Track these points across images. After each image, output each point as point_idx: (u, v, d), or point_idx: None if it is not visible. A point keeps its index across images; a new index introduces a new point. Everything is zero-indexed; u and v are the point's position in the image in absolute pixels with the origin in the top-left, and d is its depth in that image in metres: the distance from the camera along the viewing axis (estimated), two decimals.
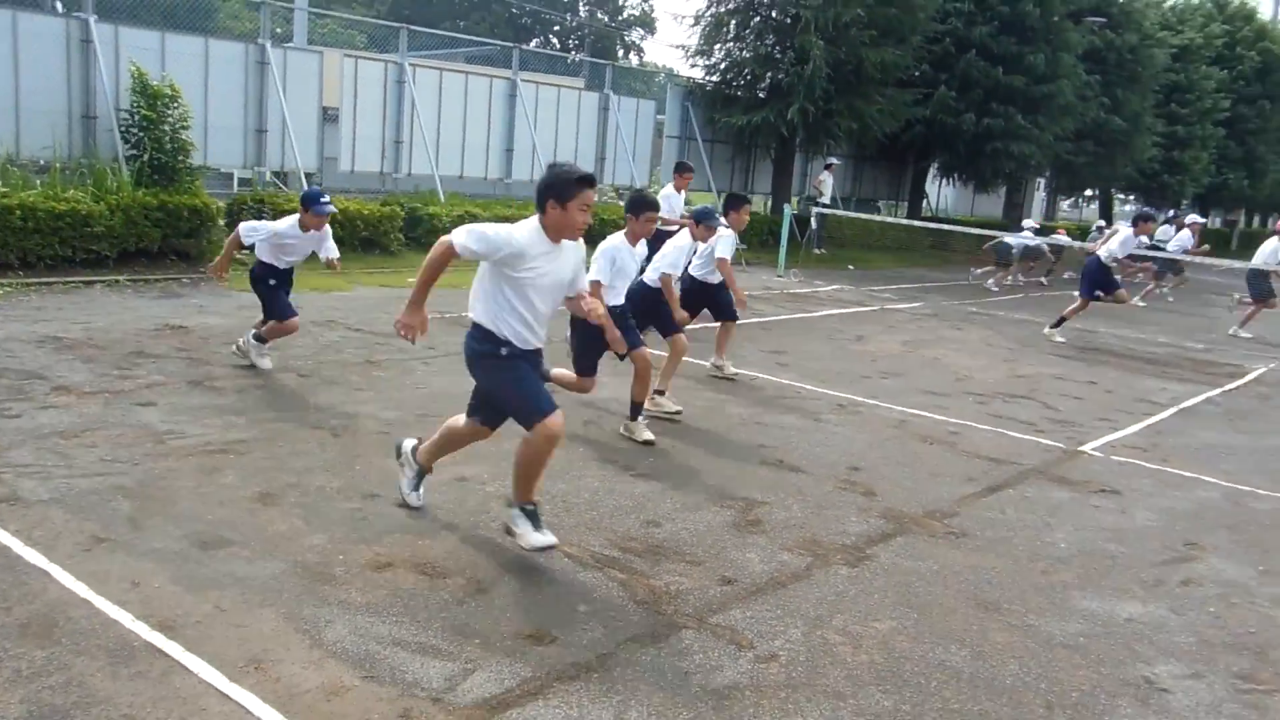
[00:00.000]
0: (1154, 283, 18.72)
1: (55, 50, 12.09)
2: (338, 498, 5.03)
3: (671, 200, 12.14)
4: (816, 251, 20.56)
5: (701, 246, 7.96)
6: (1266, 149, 39.71)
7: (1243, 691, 3.92)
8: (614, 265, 6.28)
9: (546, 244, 4.38)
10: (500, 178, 18.37)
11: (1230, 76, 35.15)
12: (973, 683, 3.76)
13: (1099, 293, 12.68)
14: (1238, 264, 17.57)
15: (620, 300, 6.44)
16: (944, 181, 28.67)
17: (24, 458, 5.16)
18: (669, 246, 7.48)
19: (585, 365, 6.42)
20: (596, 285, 5.92)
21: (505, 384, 4.46)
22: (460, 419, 4.82)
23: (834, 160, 22.58)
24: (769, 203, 23.03)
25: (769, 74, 20.45)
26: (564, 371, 6.50)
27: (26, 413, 5.92)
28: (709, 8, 21.09)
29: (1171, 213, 23.58)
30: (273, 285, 7.50)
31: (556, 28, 63.97)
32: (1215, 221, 49.25)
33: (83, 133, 12.38)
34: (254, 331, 7.52)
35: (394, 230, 14.18)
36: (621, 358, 6.39)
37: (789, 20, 19.99)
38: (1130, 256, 13.68)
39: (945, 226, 23.02)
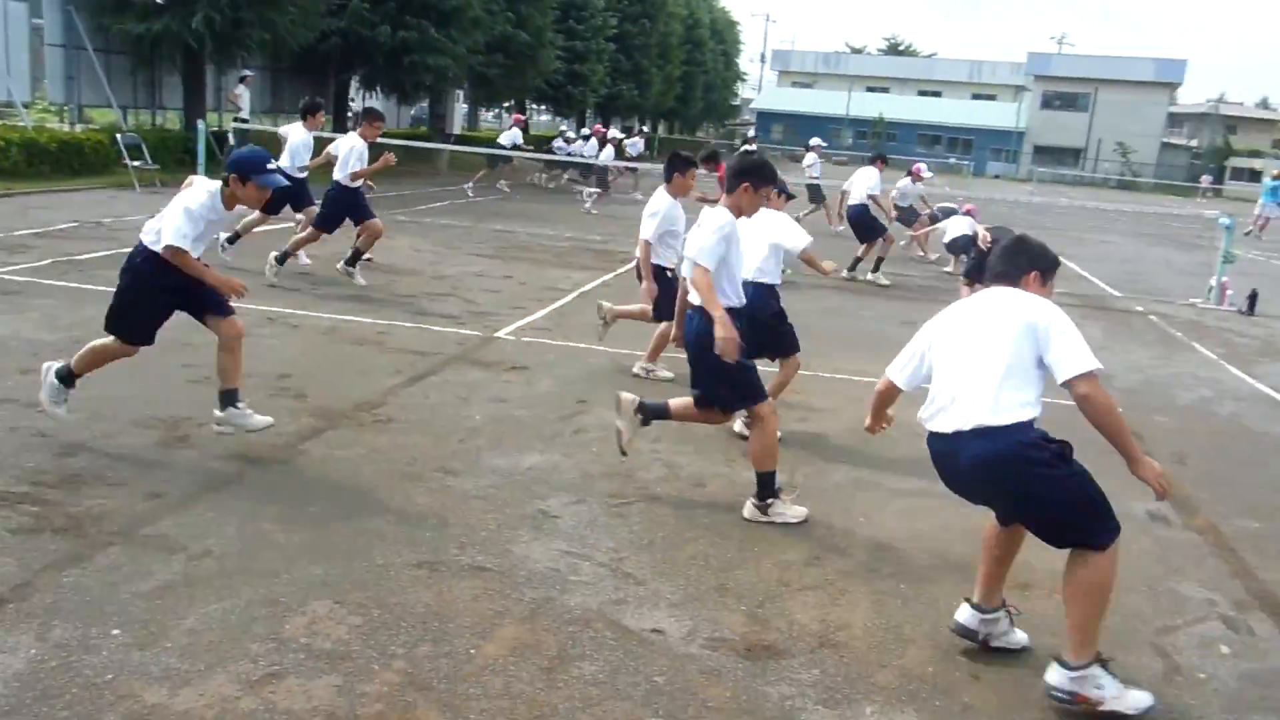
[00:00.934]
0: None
1: None
2: None
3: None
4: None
5: None
6: (649, 63, 45.06)
7: (612, 507, 4.85)
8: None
9: None
10: None
11: None
12: (397, 541, 4.24)
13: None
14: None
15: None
16: (368, 94, 28.77)
17: None
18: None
19: None
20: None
21: None
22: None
23: (248, 72, 21.65)
24: (183, 119, 21.54)
25: None
26: None
27: None
28: None
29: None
30: None
31: None
32: (615, 128, 55.04)
33: None
34: None
35: None
36: None
37: None
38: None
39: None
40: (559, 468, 5.31)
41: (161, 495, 4.48)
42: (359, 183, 9.95)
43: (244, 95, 21.14)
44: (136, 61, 20.30)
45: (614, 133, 25.26)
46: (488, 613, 3.71)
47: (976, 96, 77.91)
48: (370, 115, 10.13)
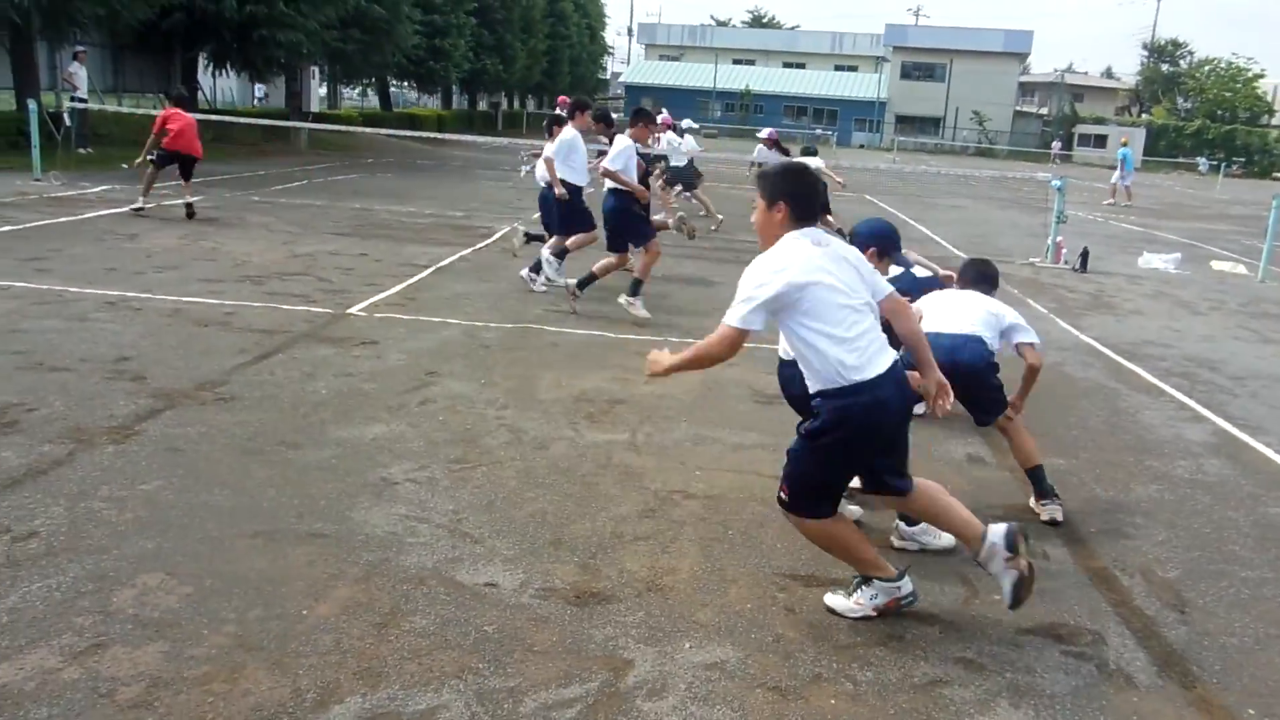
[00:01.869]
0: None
1: None
2: None
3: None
4: (81, 151, 18.93)
5: None
6: (513, 37, 44.73)
7: (454, 471, 4.97)
8: None
9: None
10: None
11: None
12: (233, 513, 4.28)
13: None
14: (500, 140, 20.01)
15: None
16: (218, 72, 27.82)
17: None
18: None
19: None
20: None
21: None
22: None
23: (82, 48, 20.69)
24: (16, 100, 20.46)
25: None
26: None
27: None
28: None
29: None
30: None
31: None
32: (482, 104, 54.48)
33: None
34: None
35: None
36: None
37: None
38: None
39: (225, 119, 22.54)
40: (404, 437, 5.39)
41: None
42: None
43: (79, 73, 20.22)
44: None
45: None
46: (322, 576, 3.80)
47: (839, 68, 79.69)
48: (641, 117, 9.17)
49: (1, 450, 4.76)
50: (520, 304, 9.01)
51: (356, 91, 49.06)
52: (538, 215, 10.63)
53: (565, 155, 9.37)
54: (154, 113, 21.32)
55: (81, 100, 19.86)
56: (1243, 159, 62.19)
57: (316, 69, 33.44)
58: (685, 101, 65.61)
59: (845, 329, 3.53)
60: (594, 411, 6.08)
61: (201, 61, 26.52)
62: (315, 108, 34.62)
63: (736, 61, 79.70)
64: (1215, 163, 56.32)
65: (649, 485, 5.00)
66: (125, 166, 17.78)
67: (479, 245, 12.41)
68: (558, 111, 9.18)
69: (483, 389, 6.38)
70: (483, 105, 55.64)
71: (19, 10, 17.49)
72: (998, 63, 69.77)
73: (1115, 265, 14.99)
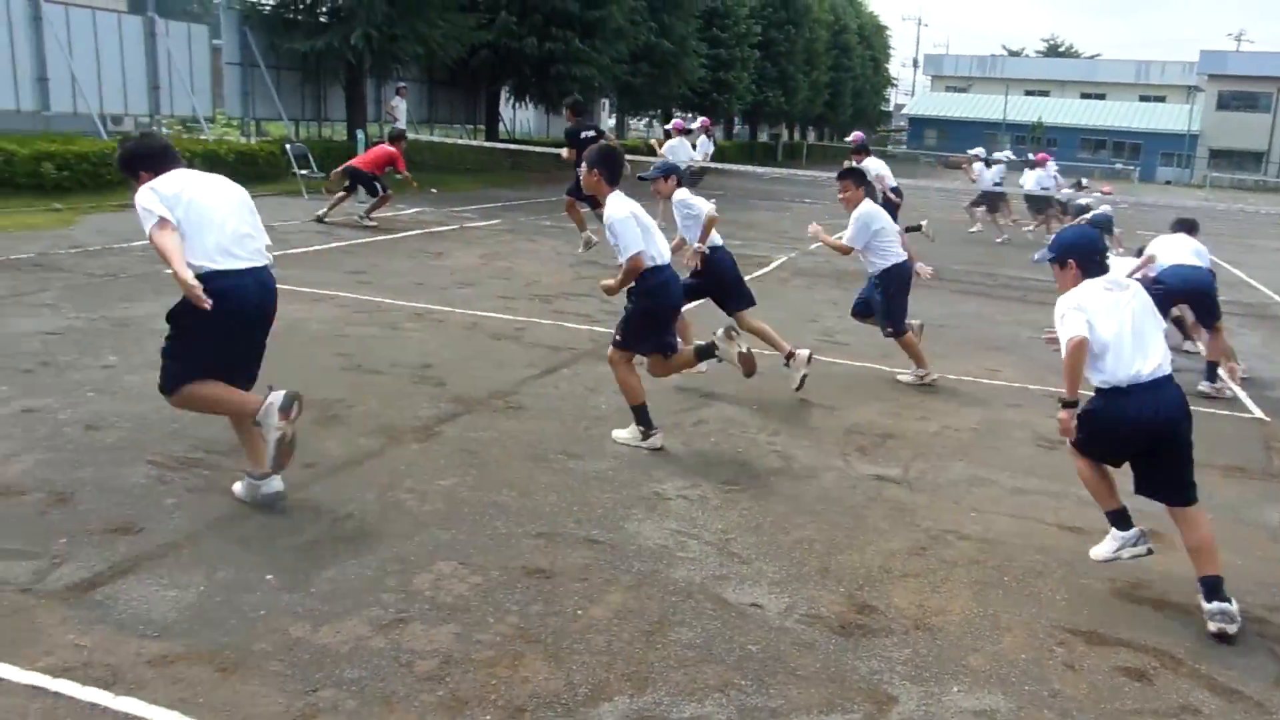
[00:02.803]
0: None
1: None
2: None
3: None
4: (397, 176, 20.74)
5: None
6: (796, 69, 44.96)
7: (725, 492, 5.07)
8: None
9: None
10: (37, 109, 16.73)
11: (760, 3, 39.33)
12: (519, 513, 4.58)
13: None
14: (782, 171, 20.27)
15: None
16: (518, 104, 29.75)
17: None
18: None
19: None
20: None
21: None
22: None
23: (404, 85, 22.75)
24: (346, 130, 22.80)
25: None
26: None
27: None
28: None
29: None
30: None
31: None
32: (762, 135, 55.07)
33: None
34: None
35: None
36: None
37: None
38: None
39: (521, 147, 24.11)
40: (677, 455, 5.56)
41: (313, 465, 4.94)
42: None
43: (400, 106, 22.23)
44: (304, 76, 21.66)
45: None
46: (597, 580, 3.99)
47: (1144, 98, 74.42)
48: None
49: (326, 441, 5.33)
50: (796, 333, 9.03)
51: (643, 123, 50.91)
52: (815, 245, 10.58)
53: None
54: (461, 142, 23.16)
55: (400, 131, 21.80)
56: None
57: (606, 101, 35.03)
58: (972, 134, 63.29)
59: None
60: (865, 444, 6.02)
61: (503, 95, 28.46)
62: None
63: (1029, 93, 76.17)
64: None
65: (920, 522, 4.89)
66: (434, 191, 19.36)
67: (757, 273, 12.55)
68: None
69: (755, 414, 6.46)
70: (763, 136, 56.24)
71: (354, 51, 19.53)
72: None
73: None
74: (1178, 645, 3.83)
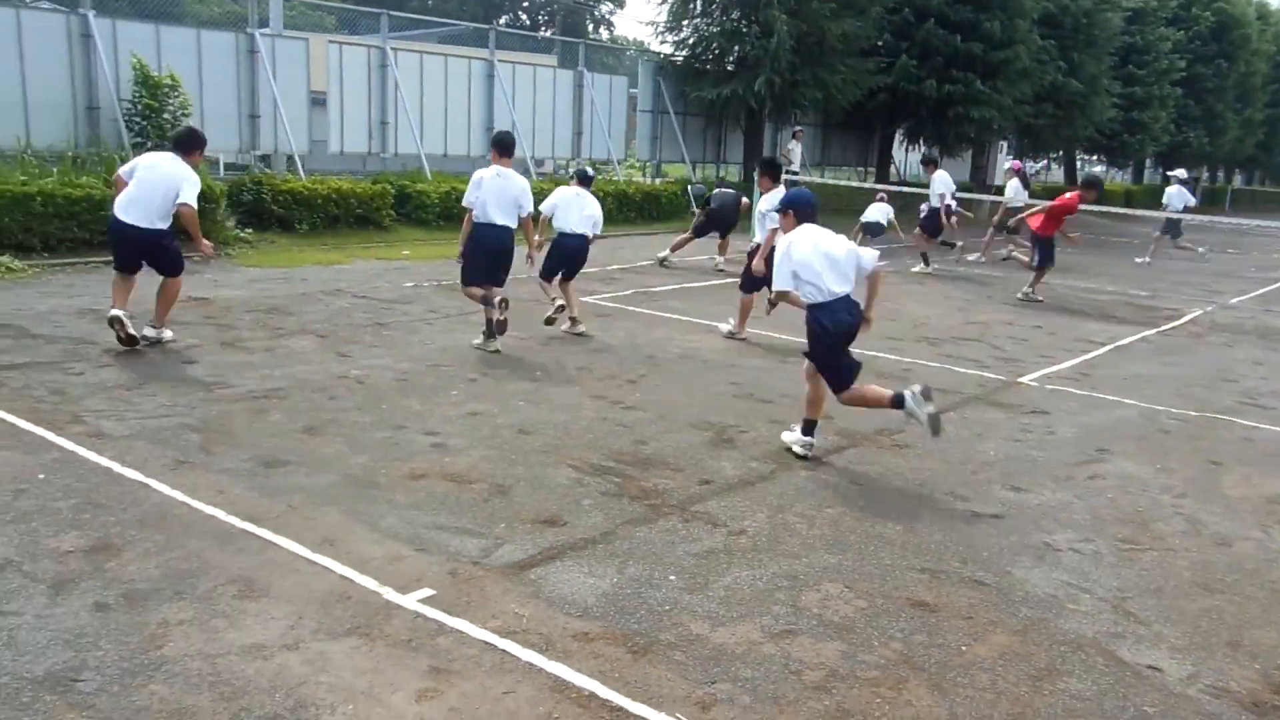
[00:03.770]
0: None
1: (58, 45, 12.76)
2: (371, 429, 5.89)
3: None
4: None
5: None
6: (1225, 107, 40.80)
7: (1122, 550, 4.85)
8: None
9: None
10: (482, 154, 19.10)
11: (1187, 37, 36.15)
12: (903, 547, 4.68)
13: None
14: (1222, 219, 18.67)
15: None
16: (910, 146, 29.53)
17: (98, 405, 5.99)
18: None
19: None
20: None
21: None
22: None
23: (800, 129, 23.40)
24: (742, 172, 23.86)
25: (736, 48, 21.26)
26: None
27: (88, 370, 6.74)
28: None
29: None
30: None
31: (525, 3, 64.34)
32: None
33: (88, 123, 13.08)
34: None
35: (386, 207, 14.98)
36: None
37: None
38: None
39: (911, 190, 23.90)
40: (1069, 507, 5.38)
41: (710, 482, 5.34)
42: None
43: (795, 149, 22.90)
44: (707, 122, 22.95)
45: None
46: (982, 620, 4.00)
47: None
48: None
49: (721, 462, 5.72)
50: (1208, 392, 8.34)
51: (1040, 165, 48.49)
52: (1235, 299, 9.71)
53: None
54: (852, 184, 23.40)
55: (794, 173, 22.47)
56: None
57: (1004, 143, 33.81)
58: None
59: None
60: None
61: (897, 137, 28.39)
62: (998, 181, 34.95)
63: None
64: None
65: None
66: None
67: (1164, 327, 11.66)
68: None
69: (1158, 474, 6.08)
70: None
71: (757, 98, 20.47)
72: None
73: None
74: None
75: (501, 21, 56.35)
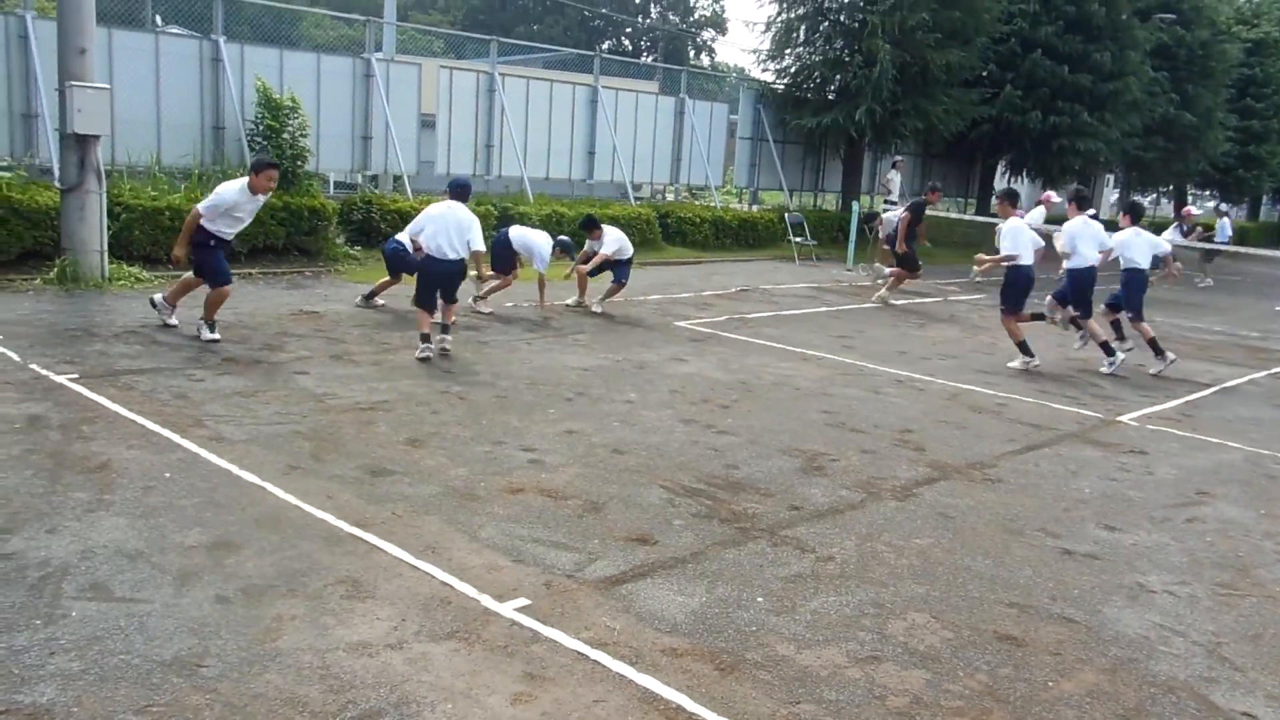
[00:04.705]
0: None
1: (190, 68, 13.48)
2: (472, 443, 6.11)
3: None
4: (886, 248, 21.27)
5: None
6: None
7: (1220, 595, 4.77)
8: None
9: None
10: (583, 178, 19.48)
11: None
12: (992, 580, 4.69)
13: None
14: None
15: None
16: (1012, 178, 29.08)
17: (218, 410, 6.34)
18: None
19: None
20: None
21: None
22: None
23: (900, 158, 23.28)
24: (839, 200, 23.82)
25: (838, 77, 21.28)
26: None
27: (208, 378, 7.12)
28: (779, 14, 21.99)
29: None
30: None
31: (629, 30, 65.24)
32: None
33: (214, 142, 13.77)
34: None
35: (488, 229, 15.32)
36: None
37: (856, 25, 20.82)
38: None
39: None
40: (1165, 549, 5.31)
41: (800, 508, 5.42)
42: None
43: (895, 179, 22.77)
44: (806, 150, 22.99)
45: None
46: (1070, 657, 4.00)
47: None
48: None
49: (811, 489, 5.79)
50: None
51: (1150, 198, 47.18)
52: None
53: None
54: (953, 215, 23.17)
55: (893, 203, 22.35)
56: None
57: (1111, 175, 33.06)
58: None
59: None
60: None
61: (999, 168, 27.99)
62: (1105, 214, 34.17)
63: None
64: None
65: None
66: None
67: (1275, 369, 11.31)
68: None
69: (1261, 519, 5.94)
70: None
71: (857, 127, 20.46)
72: None
73: None
74: None
75: (605, 48, 57.19)
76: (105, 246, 10.56)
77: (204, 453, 5.51)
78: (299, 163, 13.43)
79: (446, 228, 8.38)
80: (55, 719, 3.06)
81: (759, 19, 68.61)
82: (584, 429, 6.59)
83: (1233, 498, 6.32)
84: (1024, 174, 27.72)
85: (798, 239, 18.91)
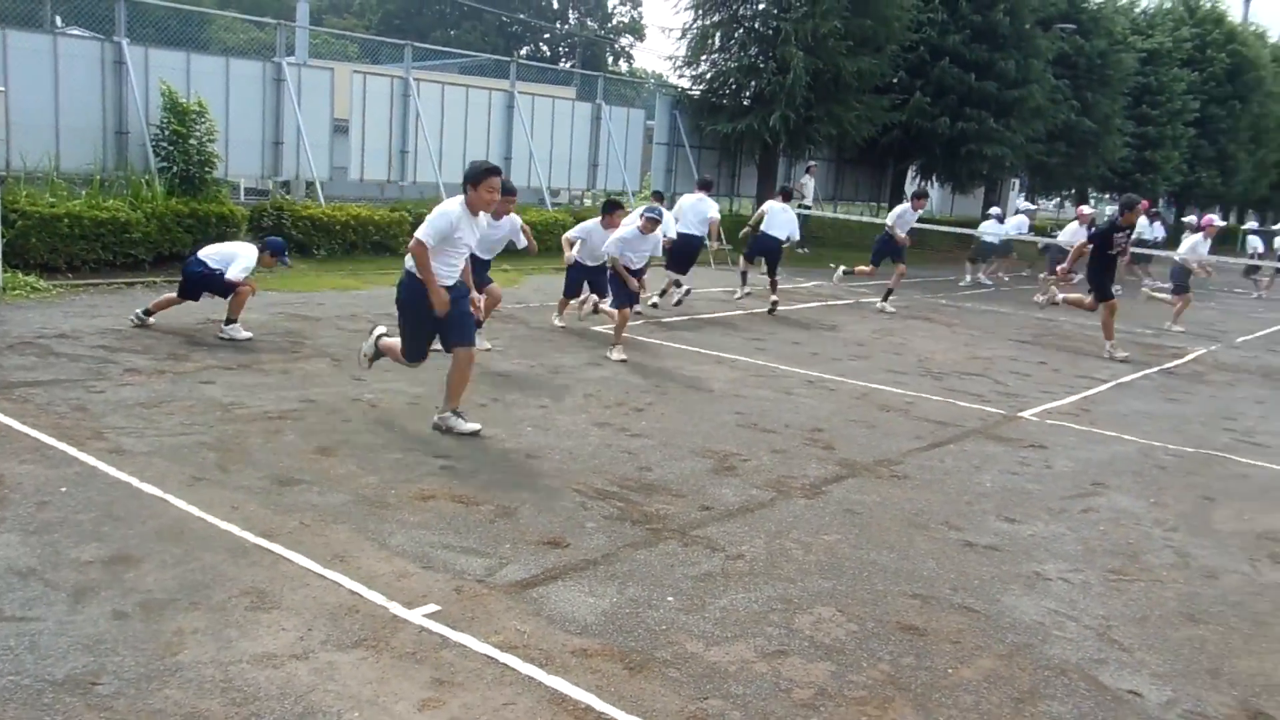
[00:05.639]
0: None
1: (91, 71, 13.09)
2: (383, 450, 6.06)
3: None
4: (800, 251, 21.59)
5: None
6: (1238, 148, 40.89)
7: (1110, 581, 4.97)
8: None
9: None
10: None
11: (1201, 78, 36.34)
12: (897, 573, 4.81)
13: None
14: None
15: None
16: (923, 182, 29.75)
17: (119, 422, 6.18)
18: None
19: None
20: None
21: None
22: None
23: (814, 163, 23.65)
24: (754, 205, 24.07)
25: (752, 83, 21.55)
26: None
27: (109, 389, 6.94)
28: (695, 21, 22.19)
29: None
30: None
31: (546, 35, 65.15)
32: (1190, 218, 50.50)
33: (116, 147, 13.39)
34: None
35: (403, 234, 15.17)
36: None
37: (771, 32, 21.11)
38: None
39: (922, 226, 24.05)
40: (1061, 539, 5.50)
41: (711, 508, 5.49)
42: None
43: (809, 184, 23.13)
44: (721, 155, 23.23)
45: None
46: (969, 644, 4.13)
47: None
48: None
49: (722, 489, 5.87)
50: (1207, 429, 8.45)
51: (1053, 203, 48.63)
52: (1241, 339, 9.83)
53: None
54: (864, 219, 23.63)
55: (807, 208, 22.70)
56: None
57: (1016, 180, 34.02)
58: None
59: None
60: None
61: (910, 173, 28.62)
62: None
63: None
64: None
65: None
66: (832, 266, 19.91)
67: (1167, 365, 11.78)
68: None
69: (1151, 508, 6.19)
70: (1190, 218, 51.64)
71: (772, 133, 20.74)
72: None
73: None
74: None
75: (523, 53, 57.01)
76: None
77: (103, 466, 5.37)
78: (207, 169, 13.14)
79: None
80: None
81: (675, 25, 69.01)
82: (497, 434, 6.58)
83: (1125, 488, 6.57)
84: (934, 178, 28.39)
85: (714, 244, 19.06)
